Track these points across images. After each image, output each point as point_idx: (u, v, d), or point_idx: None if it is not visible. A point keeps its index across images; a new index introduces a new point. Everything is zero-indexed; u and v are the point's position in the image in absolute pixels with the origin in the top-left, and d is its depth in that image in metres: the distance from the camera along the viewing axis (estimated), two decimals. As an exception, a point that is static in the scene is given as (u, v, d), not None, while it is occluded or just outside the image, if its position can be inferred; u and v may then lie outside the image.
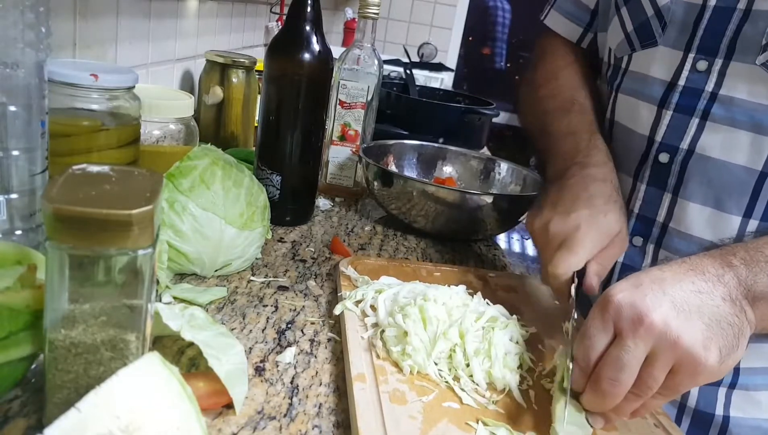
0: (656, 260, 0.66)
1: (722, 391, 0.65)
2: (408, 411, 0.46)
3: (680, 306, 0.45)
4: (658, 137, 0.64)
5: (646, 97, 0.66)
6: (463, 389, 0.50)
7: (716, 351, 0.44)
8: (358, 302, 0.60)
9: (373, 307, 0.59)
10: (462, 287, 0.64)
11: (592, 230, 0.57)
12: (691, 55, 0.61)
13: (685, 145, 0.62)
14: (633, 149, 0.67)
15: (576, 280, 0.55)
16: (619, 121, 0.70)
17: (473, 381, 0.51)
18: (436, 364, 0.52)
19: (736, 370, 0.64)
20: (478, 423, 0.47)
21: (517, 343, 0.56)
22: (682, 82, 0.62)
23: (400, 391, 0.49)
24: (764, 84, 0.57)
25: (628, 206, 0.67)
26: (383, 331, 0.55)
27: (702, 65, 0.61)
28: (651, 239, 0.67)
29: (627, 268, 0.69)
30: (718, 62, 0.60)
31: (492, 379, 0.52)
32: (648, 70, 0.66)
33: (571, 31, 0.81)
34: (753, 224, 0.60)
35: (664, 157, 0.64)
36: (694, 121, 0.62)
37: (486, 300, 0.62)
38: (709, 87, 0.60)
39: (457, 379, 0.51)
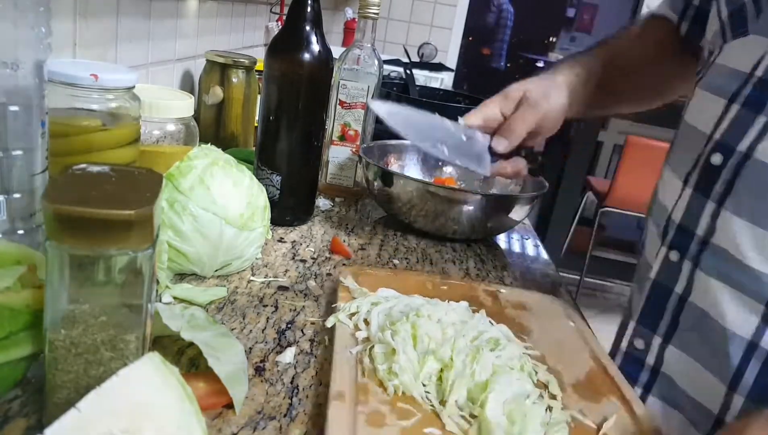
0: (692, 281, 0.57)
1: None
2: None
3: None
4: (717, 135, 0.55)
5: (719, 90, 0.57)
6: (449, 416, 0.46)
7: None
8: (352, 315, 0.57)
9: (366, 321, 0.56)
10: (464, 303, 0.60)
11: (494, 98, 0.70)
12: None
13: (743, 147, 0.52)
14: (690, 150, 0.59)
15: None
16: (686, 120, 0.62)
17: (458, 406, 0.47)
18: (424, 385, 0.48)
19: None
20: None
21: (512, 368, 0.50)
22: (759, 72, 0.53)
23: (380, 413, 0.45)
24: None
25: (670, 215, 0.60)
26: (372, 347, 0.52)
27: None
28: (688, 256, 0.57)
29: (659, 286, 0.60)
30: None
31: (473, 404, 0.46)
32: (731, 61, 0.57)
33: (671, 17, 0.76)
34: None
35: (716, 159, 0.55)
36: (761, 120, 0.52)
37: (490, 319, 0.59)
38: None
39: (443, 403, 0.47)
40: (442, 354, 0.50)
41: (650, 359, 0.61)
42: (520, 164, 0.73)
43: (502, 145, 0.70)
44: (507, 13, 3.49)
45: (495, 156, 0.71)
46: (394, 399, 0.47)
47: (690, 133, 0.60)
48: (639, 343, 0.62)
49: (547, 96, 0.70)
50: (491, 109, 0.70)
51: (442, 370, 0.49)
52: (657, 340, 0.61)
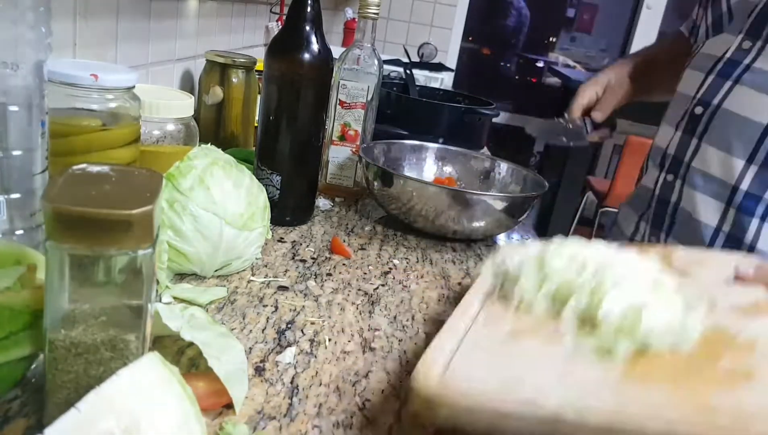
0: (682, 194, 0.84)
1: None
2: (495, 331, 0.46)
3: None
4: (699, 95, 0.83)
5: (701, 68, 0.84)
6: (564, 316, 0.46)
7: None
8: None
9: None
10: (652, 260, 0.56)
11: (589, 84, 0.99)
12: (740, 37, 0.80)
13: (716, 101, 0.80)
14: (680, 107, 0.86)
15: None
16: (678, 90, 0.90)
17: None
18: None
19: None
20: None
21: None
22: (728, 55, 0.81)
23: (498, 316, 0.48)
24: None
25: (666, 150, 0.87)
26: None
27: (746, 44, 0.79)
28: (679, 176, 0.84)
29: (660, 199, 0.88)
30: (759, 43, 0.78)
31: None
32: (710, 50, 0.85)
33: (685, 30, 1.04)
34: (752, 170, 0.76)
35: (698, 110, 0.82)
36: (728, 84, 0.79)
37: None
38: (747, 60, 0.78)
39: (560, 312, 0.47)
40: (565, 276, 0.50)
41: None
42: (605, 131, 1.04)
43: (599, 116, 1.01)
44: (525, 18, 3.49)
45: (592, 126, 1.01)
46: (515, 314, 0.49)
47: (680, 98, 0.88)
48: (653, 241, 0.90)
49: (622, 83, 1.01)
50: (589, 94, 1.00)
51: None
52: (663, 236, 0.89)
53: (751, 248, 0.78)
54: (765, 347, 0.44)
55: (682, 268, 0.58)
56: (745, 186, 0.77)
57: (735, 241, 0.79)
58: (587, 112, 1.00)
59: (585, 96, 1.00)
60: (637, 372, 0.41)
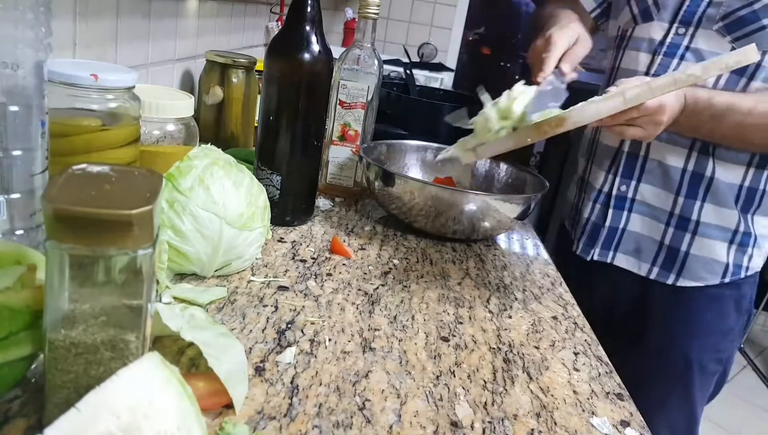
0: (648, 146, 0.98)
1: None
2: None
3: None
4: (652, 71, 0.96)
5: (645, 49, 0.98)
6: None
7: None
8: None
9: None
10: None
11: (561, 34, 0.93)
12: (675, 26, 0.94)
13: (669, 72, 0.92)
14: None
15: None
16: (623, 67, 1.02)
17: None
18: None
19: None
20: None
21: None
22: (668, 40, 0.95)
23: None
24: (716, 41, 0.90)
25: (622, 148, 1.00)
26: None
27: (681, 30, 0.93)
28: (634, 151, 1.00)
29: (630, 154, 1.00)
30: (691, 29, 0.92)
31: None
32: (646, 34, 0.98)
33: (589, 4, 1.12)
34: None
35: None
36: (675, 61, 0.94)
37: None
38: (685, 43, 0.93)
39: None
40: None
41: (630, 194, 1.01)
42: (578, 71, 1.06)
43: (568, 68, 0.98)
44: (505, 13, 3.49)
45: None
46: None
47: (629, 73, 0.98)
48: (623, 188, 1.01)
49: (585, 36, 1.01)
50: (562, 46, 0.96)
51: None
52: (633, 183, 1.00)
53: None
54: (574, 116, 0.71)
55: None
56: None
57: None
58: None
59: (558, 48, 0.94)
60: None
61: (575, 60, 0.96)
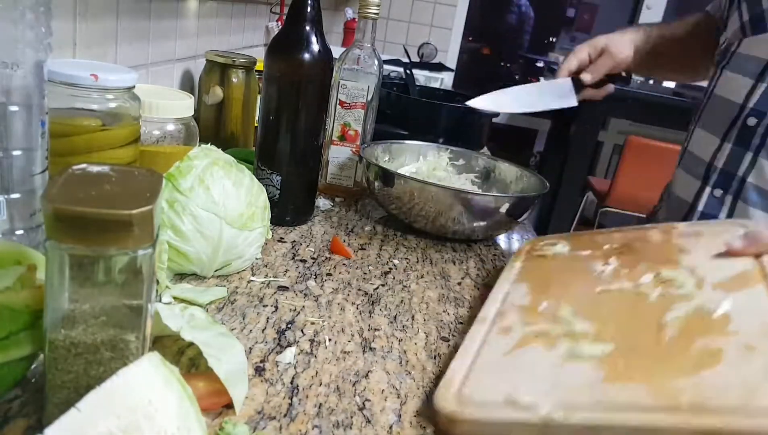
0: (734, 209, 0.78)
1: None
2: (506, 339, 0.53)
3: None
4: (750, 104, 0.76)
5: (747, 72, 0.77)
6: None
7: None
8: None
9: None
10: None
11: (583, 46, 0.95)
12: None
13: None
14: (725, 115, 0.79)
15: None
16: (717, 94, 0.82)
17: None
18: None
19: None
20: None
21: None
22: None
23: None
24: None
25: (712, 162, 0.80)
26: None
27: None
28: (730, 192, 0.79)
29: (705, 216, 0.82)
30: None
31: None
32: (753, 51, 0.77)
33: (718, 13, 0.95)
34: None
35: (752, 121, 0.75)
36: None
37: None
38: None
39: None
40: None
41: None
42: (609, 88, 1.00)
43: (589, 78, 0.96)
44: (527, 17, 3.49)
45: (582, 87, 0.97)
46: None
47: (722, 102, 0.80)
48: None
49: (622, 49, 0.96)
50: (582, 55, 0.97)
51: None
52: None
53: None
54: (737, 322, 0.46)
55: (681, 245, 0.61)
56: None
57: None
58: (578, 73, 0.97)
59: (575, 57, 0.97)
60: (620, 369, 0.45)
61: (597, 70, 0.95)
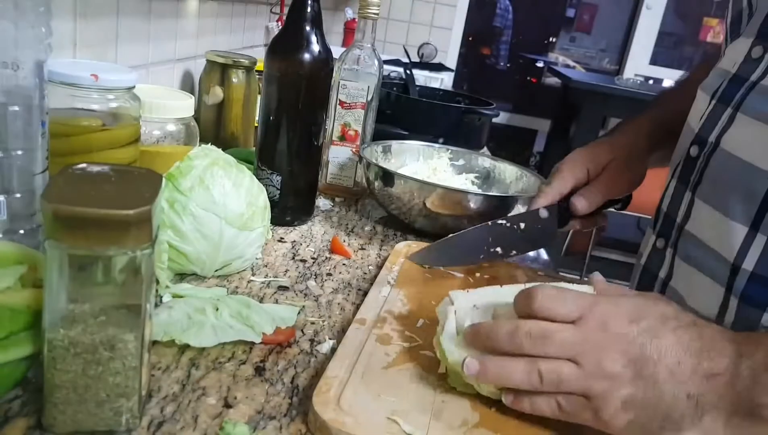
0: (672, 267, 0.61)
1: None
2: (385, 349, 0.52)
3: (641, 364, 0.42)
4: (697, 129, 0.59)
5: (708, 89, 0.60)
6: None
7: (626, 418, 0.42)
8: None
9: None
10: None
11: (576, 160, 0.69)
12: (750, 40, 0.56)
13: (713, 137, 0.56)
14: (681, 145, 0.64)
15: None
16: (687, 121, 0.65)
17: None
18: None
19: None
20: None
21: None
22: (734, 69, 0.57)
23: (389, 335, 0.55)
24: None
25: (660, 205, 0.65)
26: None
27: (756, 51, 0.55)
28: (671, 243, 0.62)
29: (646, 271, 0.66)
30: None
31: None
32: (724, 63, 0.60)
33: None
34: (760, 240, 0.51)
35: (694, 151, 0.60)
36: (728, 112, 0.55)
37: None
38: (755, 76, 0.54)
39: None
40: None
41: None
42: (603, 222, 0.73)
43: (582, 206, 0.68)
44: (505, 13, 3.49)
45: (568, 217, 0.69)
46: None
47: (686, 130, 0.64)
48: None
49: (630, 166, 0.70)
50: (578, 172, 0.69)
51: None
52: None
53: None
54: None
55: None
56: (749, 265, 0.52)
57: None
58: (566, 198, 0.69)
59: (571, 174, 0.69)
60: (491, 416, 0.46)
61: (596, 196, 0.68)
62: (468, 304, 0.51)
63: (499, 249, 0.68)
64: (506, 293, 0.50)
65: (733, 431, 0.41)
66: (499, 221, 0.68)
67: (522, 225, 0.68)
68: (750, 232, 0.52)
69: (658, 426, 0.42)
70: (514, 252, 0.69)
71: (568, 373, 0.43)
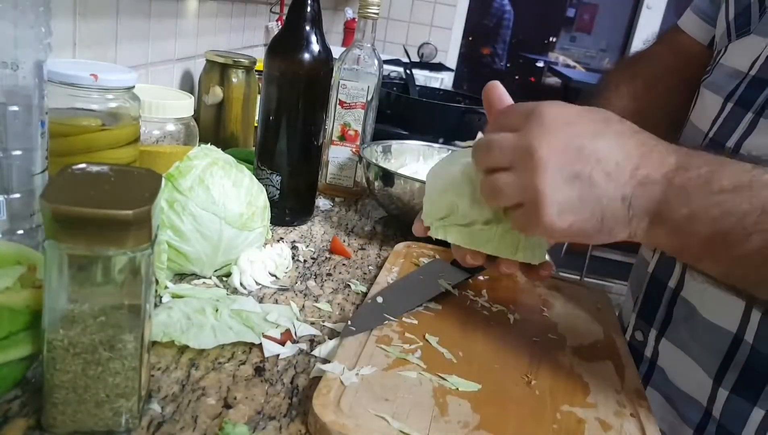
0: (683, 276, 0.59)
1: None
2: (385, 351, 0.52)
3: (577, 167, 0.40)
4: (711, 133, 0.56)
5: (719, 89, 0.57)
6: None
7: (567, 221, 0.41)
8: None
9: None
10: None
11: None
12: (767, 40, 0.52)
13: (731, 143, 0.53)
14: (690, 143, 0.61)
15: None
16: (691, 120, 0.62)
17: None
18: None
19: None
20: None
21: None
22: (753, 71, 0.54)
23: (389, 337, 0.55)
24: None
25: None
26: None
27: None
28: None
29: (655, 280, 0.64)
30: None
31: None
32: (732, 61, 0.57)
33: (701, 32, 0.71)
34: None
35: None
36: (748, 117, 0.52)
37: None
38: None
39: None
40: None
41: (647, 352, 0.64)
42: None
43: None
44: (507, 14, 3.50)
45: None
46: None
47: (690, 130, 0.62)
48: (638, 335, 0.66)
49: None
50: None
51: None
52: (653, 333, 0.63)
53: None
54: (594, 394, 0.52)
55: (544, 298, 0.69)
56: None
57: (763, 356, 0.53)
58: None
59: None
60: (494, 420, 0.46)
61: None
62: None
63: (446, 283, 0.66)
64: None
65: (649, 237, 0.42)
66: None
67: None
68: None
69: (594, 228, 0.41)
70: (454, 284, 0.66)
71: (505, 181, 0.42)
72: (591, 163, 0.40)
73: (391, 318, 0.58)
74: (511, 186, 0.42)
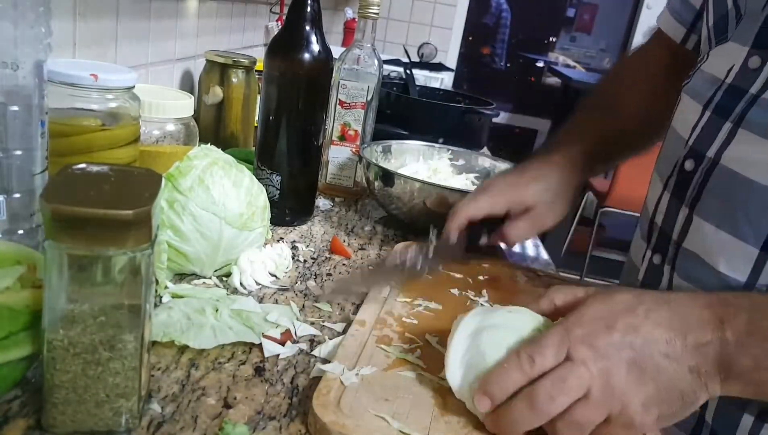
0: (671, 286, 0.59)
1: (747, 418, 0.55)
2: (385, 351, 0.53)
3: (639, 363, 0.42)
4: (691, 141, 0.57)
5: (698, 96, 0.58)
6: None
7: (654, 415, 0.43)
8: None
9: None
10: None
11: (498, 197, 0.68)
12: (746, 49, 0.53)
13: (711, 153, 0.54)
14: (670, 155, 0.61)
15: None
16: (672, 125, 0.63)
17: None
18: None
19: None
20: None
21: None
22: (729, 79, 0.54)
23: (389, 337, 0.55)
24: None
25: (653, 218, 0.62)
26: None
27: (754, 62, 0.52)
28: (668, 259, 0.59)
29: (647, 286, 0.63)
30: None
31: None
32: (711, 68, 0.58)
33: (675, 31, 0.73)
34: None
35: (689, 165, 0.57)
36: (727, 126, 0.53)
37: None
38: (755, 88, 0.51)
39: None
40: None
41: None
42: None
43: (515, 239, 0.71)
44: (505, 13, 3.50)
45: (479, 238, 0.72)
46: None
47: (673, 137, 0.62)
48: None
49: (553, 209, 0.70)
50: (479, 213, 0.69)
51: None
52: None
53: None
54: None
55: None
56: (764, 282, 0.51)
57: None
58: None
59: (482, 209, 0.69)
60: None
61: (525, 234, 0.70)
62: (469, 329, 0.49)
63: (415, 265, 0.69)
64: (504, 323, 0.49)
65: (728, 392, 0.44)
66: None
67: (432, 247, 0.71)
68: (762, 254, 0.51)
69: (680, 407, 0.43)
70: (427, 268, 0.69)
71: (582, 413, 0.42)
72: (647, 353, 0.43)
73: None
74: (589, 412, 0.42)
